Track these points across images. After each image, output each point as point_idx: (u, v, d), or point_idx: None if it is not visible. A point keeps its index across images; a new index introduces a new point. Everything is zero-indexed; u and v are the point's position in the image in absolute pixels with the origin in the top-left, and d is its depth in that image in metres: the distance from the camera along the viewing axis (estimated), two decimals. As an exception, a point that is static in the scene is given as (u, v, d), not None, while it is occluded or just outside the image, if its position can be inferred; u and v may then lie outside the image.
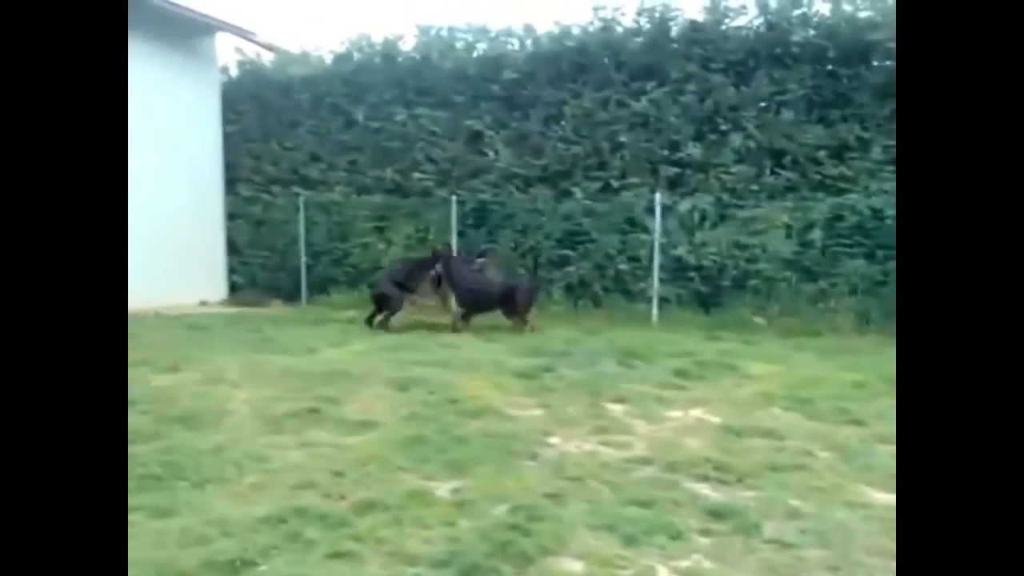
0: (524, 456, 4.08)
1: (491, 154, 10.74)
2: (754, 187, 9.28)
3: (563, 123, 10.35)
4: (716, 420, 4.79)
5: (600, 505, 3.39)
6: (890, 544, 2.98)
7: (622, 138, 9.94)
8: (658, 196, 9.42)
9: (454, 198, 10.60)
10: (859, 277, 8.60)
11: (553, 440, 4.39)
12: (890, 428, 4.53)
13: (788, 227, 9.05)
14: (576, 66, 10.31)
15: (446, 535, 3.07)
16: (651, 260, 9.52)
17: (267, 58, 12.96)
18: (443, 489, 3.60)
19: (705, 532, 3.13)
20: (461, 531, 3.11)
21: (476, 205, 10.66)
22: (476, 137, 10.91)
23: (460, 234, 10.49)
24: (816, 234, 8.90)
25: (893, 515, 3.28)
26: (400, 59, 11.66)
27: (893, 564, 2.83)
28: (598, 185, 10.09)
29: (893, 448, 4.17)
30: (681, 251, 9.45)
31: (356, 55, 11.99)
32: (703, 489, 3.61)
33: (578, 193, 10.13)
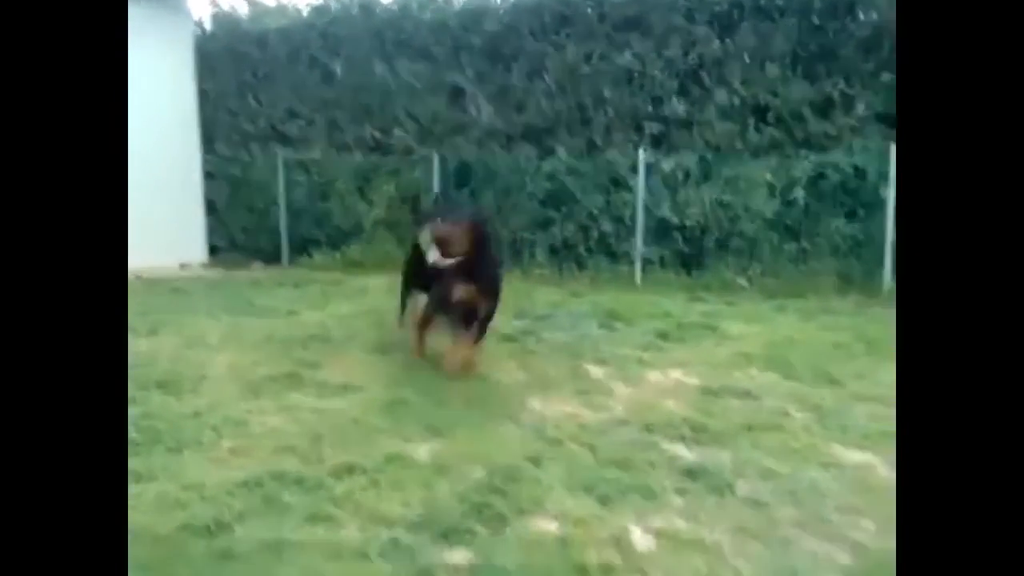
0: (504, 419, 4.10)
1: (473, 110, 10.59)
2: (738, 144, 9.21)
3: (545, 77, 10.19)
4: (695, 381, 4.82)
5: (578, 467, 3.42)
6: (859, 502, 3.03)
7: (606, 93, 9.80)
8: (641, 154, 9.34)
9: (436, 157, 10.47)
10: (841, 237, 8.61)
11: (533, 403, 4.41)
12: (866, 388, 4.58)
13: (771, 186, 9.01)
14: (559, 17, 10.11)
15: (424, 497, 3.09)
16: (634, 220, 9.49)
17: (242, 10, 12.65)
18: (422, 452, 3.61)
19: (680, 492, 3.17)
20: (439, 493, 3.14)
21: (458, 164, 10.54)
22: (457, 93, 10.74)
23: (443, 194, 10.39)
24: (799, 193, 8.87)
25: (865, 474, 3.34)
26: (378, 10, 11.40)
27: (862, 521, 2.89)
28: (581, 142, 9.98)
29: (868, 408, 4.23)
30: (664, 211, 9.41)
31: (333, 5, 11.71)
32: (679, 450, 3.65)
33: (561, 151, 10.02)
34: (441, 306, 4.81)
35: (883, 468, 3.39)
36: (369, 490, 3.17)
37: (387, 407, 4.24)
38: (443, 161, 10.48)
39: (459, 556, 2.66)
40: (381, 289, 8.50)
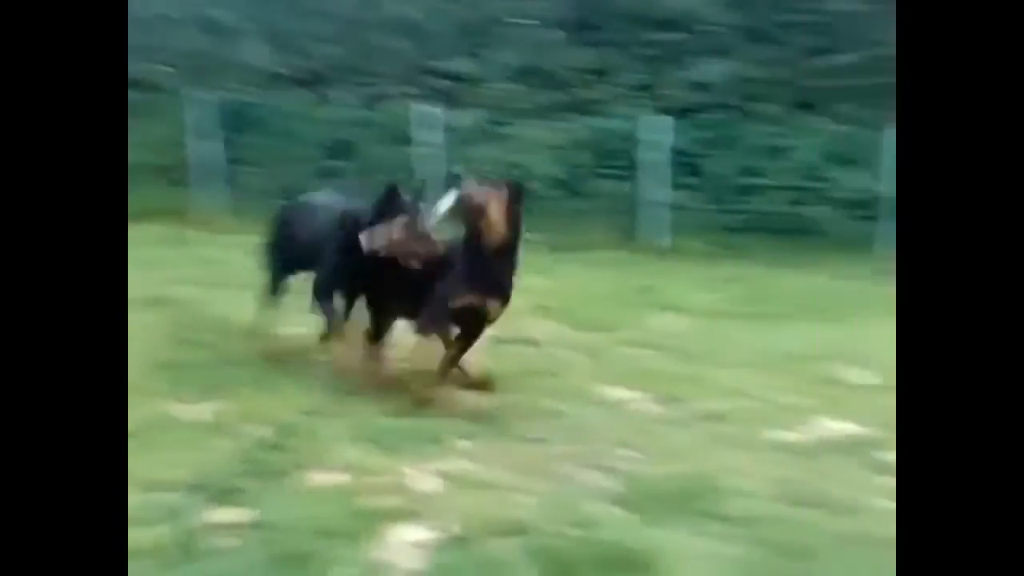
0: (287, 375, 3.94)
1: (245, 51, 9.85)
2: (523, 105, 9.49)
3: (327, 23, 9.73)
4: (482, 331, 4.95)
5: (364, 418, 3.39)
6: (627, 435, 3.31)
7: (390, 44, 9.58)
8: (428, 109, 9.29)
9: (207, 97, 9.58)
10: (618, 196, 9.23)
11: (321, 358, 4.28)
12: (635, 334, 4.96)
13: (554, 147, 9.41)
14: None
15: (199, 458, 2.92)
16: (424, 175, 9.45)
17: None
18: (198, 412, 3.40)
19: (466, 436, 3.27)
20: (215, 453, 2.98)
21: (227, 105, 9.73)
22: (228, 31, 9.93)
23: (226, 141, 9.56)
24: (579, 154, 9.36)
25: (631, 409, 3.66)
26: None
27: (630, 452, 3.16)
28: (365, 92, 9.70)
29: (635, 351, 4.61)
30: (452, 166, 9.48)
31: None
32: (466, 397, 3.75)
33: (344, 99, 9.66)
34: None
35: (645, 403, 3.74)
36: (139, 454, 2.91)
37: (158, 367, 3.91)
38: (214, 103, 9.60)
39: (235, 514, 2.55)
40: (148, 240, 7.75)
